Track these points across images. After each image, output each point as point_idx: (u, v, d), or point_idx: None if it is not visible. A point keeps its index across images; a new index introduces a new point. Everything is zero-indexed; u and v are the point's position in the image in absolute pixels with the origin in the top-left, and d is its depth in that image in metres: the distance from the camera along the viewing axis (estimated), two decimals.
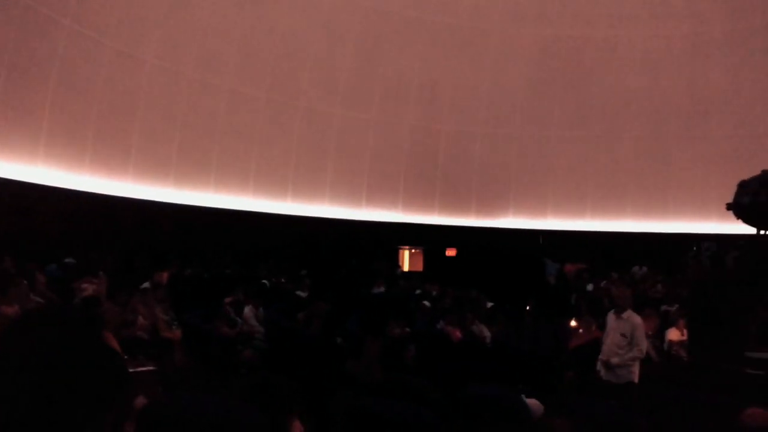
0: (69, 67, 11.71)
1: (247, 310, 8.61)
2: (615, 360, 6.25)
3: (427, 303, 10.42)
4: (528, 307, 9.63)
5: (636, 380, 6.29)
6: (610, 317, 6.62)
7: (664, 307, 10.26)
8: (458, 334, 7.87)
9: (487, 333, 8.63)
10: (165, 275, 10.29)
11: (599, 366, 6.44)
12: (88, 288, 8.35)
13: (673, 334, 8.58)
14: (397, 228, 17.29)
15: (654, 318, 9.14)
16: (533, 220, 17.94)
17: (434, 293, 12.14)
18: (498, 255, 15.54)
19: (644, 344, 6.40)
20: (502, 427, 3.74)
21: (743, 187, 6.69)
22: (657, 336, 8.83)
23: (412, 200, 17.67)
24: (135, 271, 10.93)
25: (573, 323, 8.56)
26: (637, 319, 6.45)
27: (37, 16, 10.94)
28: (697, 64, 16.32)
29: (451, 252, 17.89)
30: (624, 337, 6.30)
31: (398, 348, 6.54)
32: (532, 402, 4.14)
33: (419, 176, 17.71)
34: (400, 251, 18.40)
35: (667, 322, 9.05)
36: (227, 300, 9.01)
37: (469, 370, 5.53)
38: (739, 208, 6.68)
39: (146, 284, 9.27)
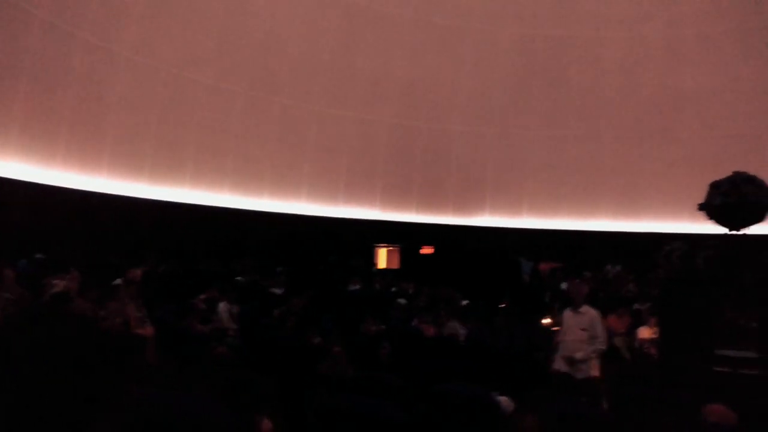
0: (42, 60, 11.51)
1: (222, 306, 8.55)
2: (580, 355, 6.32)
3: (402, 301, 10.43)
4: (502, 305, 9.70)
5: (597, 374, 6.37)
6: (567, 314, 6.69)
7: (636, 306, 10.37)
8: (432, 331, 7.91)
9: (461, 330, 8.67)
10: (138, 272, 10.17)
11: (558, 363, 6.48)
12: (59, 284, 8.20)
13: (644, 333, 8.69)
14: (375, 225, 17.29)
15: (626, 316, 9.28)
16: (509, 218, 18.06)
17: (410, 291, 12.17)
18: (474, 253, 15.61)
19: (605, 335, 6.48)
20: (472, 425, 3.76)
21: (715, 188, 6.80)
22: (629, 334, 8.95)
23: (389, 198, 17.68)
24: (109, 267, 10.78)
25: (547, 321, 8.65)
26: (594, 312, 6.54)
27: (8, 7, 10.74)
28: (671, 66, 16.55)
29: (427, 250, 17.94)
30: (585, 331, 6.38)
31: (373, 345, 6.55)
32: (503, 399, 4.17)
33: (397, 174, 17.72)
34: (377, 249, 18.39)
35: (639, 321, 9.17)
36: (201, 297, 8.95)
37: (442, 367, 5.55)
38: (711, 209, 6.79)
39: (118, 280, 9.15)
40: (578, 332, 6.42)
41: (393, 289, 12.69)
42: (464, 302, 10.59)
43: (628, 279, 13.72)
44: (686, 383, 5.39)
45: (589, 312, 6.50)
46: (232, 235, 14.31)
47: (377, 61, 16.73)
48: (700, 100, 16.38)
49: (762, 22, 15.39)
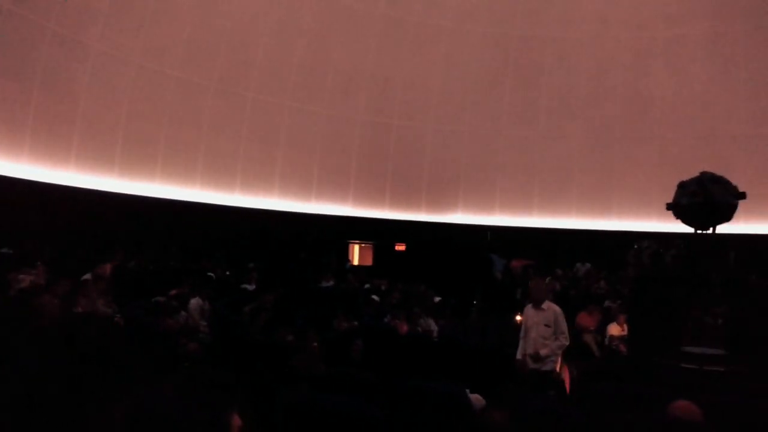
0: (8, 51, 11.26)
1: (193, 302, 8.47)
2: (544, 351, 6.35)
3: (375, 297, 10.44)
4: (475, 302, 9.77)
5: (558, 369, 6.44)
6: (529, 311, 6.71)
7: (607, 303, 10.52)
8: (405, 328, 7.91)
9: (434, 327, 8.71)
10: (108, 267, 10.02)
11: (523, 359, 6.52)
12: (25, 279, 8.06)
13: (614, 329, 8.83)
14: (348, 222, 17.27)
15: (596, 313, 9.40)
16: (481, 216, 18.17)
17: (383, 288, 12.18)
18: (447, 250, 15.68)
19: (567, 331, 6.54)
20: (443, 421, 3.78)
21: (682, 188, 6.92)
22: (598, 331, 9.08)
23: (362, 194, 17.67)
24: (77, 262, 10.60)
25: (519, 317, 8.71)
26: (557, 308, 6.57)
27: None
28: (641, 68, 16.81)
29: (400, 247, 17.99)
30: (548, 327, 6.43)
31: (345, 342, 6.53)
32: (475, 397, 4.19)
33: (370, 171, 17.71)
34: (350, 245, 18.37)
35: (609, 318, 9.30)
36: (172, 292, 8.85)
37: (414, 363, 5.56)
38: (678, 208, 6.90)
39: (87, 276, 9.01)
40: (542, 328, 6.46)
41: (366, 285, 12.70)
42: (437, 299, 10.65)
43: (598, 277, 13.92)
44: (654, 379, 5.46)
45: (552, 308, 6.54)
46: (203, 231, 14.17)
47: (350, 58, 16.69)
48: (668, 102, 16.69)
49: (730, 27, 15.70)
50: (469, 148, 18.03)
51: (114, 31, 12.90)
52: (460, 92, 17.67)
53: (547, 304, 6.59)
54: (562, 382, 6.39)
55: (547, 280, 13.16)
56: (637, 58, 16.81)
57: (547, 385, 6.16)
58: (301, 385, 4.18)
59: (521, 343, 6.66)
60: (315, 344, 5.71)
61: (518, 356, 6.60)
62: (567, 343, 6.50)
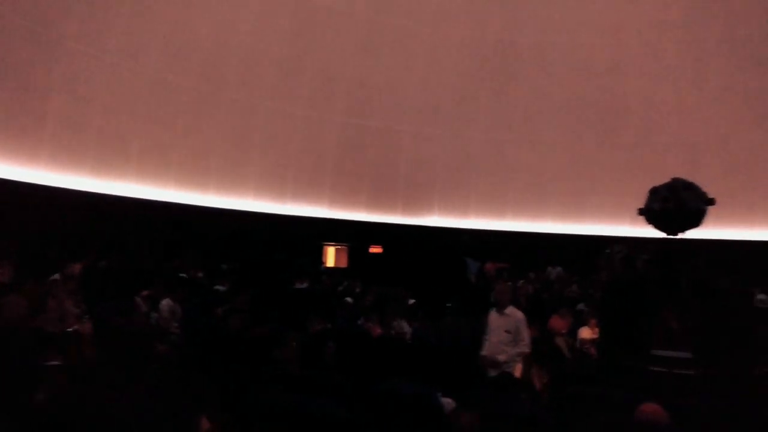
0: None
1: (164, 303, 8.37)
2: (502, 357, 6.33)
3: (349, 299, 10.41)
4: (449, 305, 9.77)
5: (519, 376, 6.44)
6: (492, 315, 6.70)
7: (580, 307, 10.60)
8: (378, 330, 7.90)
9: (407, 329, 8.70)
10: (78, 266, 9.87)
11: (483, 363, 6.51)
12: None
13: (585, 333, 8.90)
14: (323, 224, 17.22)
15: (568, 317, 9.46)
16: (457, 219, 18.25)
17: (357, 290, 12.16)
18: (422, 253, 15.70)
19: (528, 338, 6.50)
20: (413, 423, 3.77)
21: (654, 193, 7.00)
22: (570, 334, 9.14)
23: (338, 196, 17.62)
24: (46, 261, 10.42)
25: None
26: (520, 314, 6.56)
27: None
28: (616, 74, 17.02)
29: (375, 249, 17.97)
30: (509, 334, 6.40)
31: (318, 344, 6.50)
32: (447, 401, 4.19)
33: (346, 172, 17.68)
34: (325, 247, 18.32)
35: (580, 321, 9.37)
36: (144, 293, 8.75)
37: (387, 366, 5.55)
38: (650, 214, 6.98)
39: (56, 275, 8.87)
40: (502, 334, 6.43)
41: (340, 288, 12.66)
42: (411, 301, 10.65)
43: (571, 280, 14.04)
44: (623, 382, 5.52)
45: (515, 314, 6.51)
46: (176, 231, 14.00)
47: (327, 59, 16.65)
48: (642, 109, 16.93)
49: (703, 34, 15.97)
50: (445, 152, 18.10)
51: (88, 28, 12.69)
52: (437, 95, 17.72)
53: (510, 310, 6.56)
54: (533, 384, 6.41)
55: (520, 283, 13.27)
56: (611, 65, 17.01)
57: (517, 388, 6.17)
58: (273, 386, 4.15)
59: (486, 343, 6.65)
60: (294, 343, 5.69)
61: (483, 352, 6.57)
62: (527, 351, 6.46)
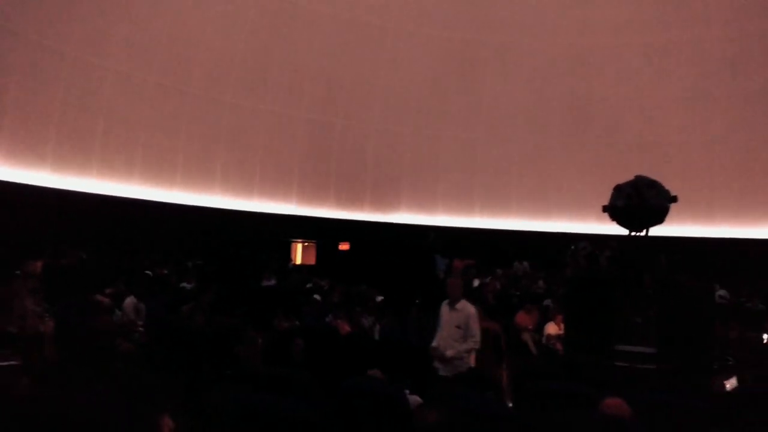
0: None
1: (128, 301, 8.24)
2: (450, 352, 6.27)
3: (317, 297, 10.37)
4: (417, 301, 9.79)
5: (472, 365, 6.38)
6: (444, 309, 6.64)
7: (546, 302, 10.72)
8: (347, 327, 7.88)
9: (375, 326, 8.71)
10: (38, 264, 9.63)
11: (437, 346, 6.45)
12: None
13: (551, 329, 9.00)
14: (291, 220, 17.12)
15: (535, 313, 9.58)
16: (424, 215, 18.31)
17: (325, 287, 12.12)
18: (390, 250, 15.71)
19: (478, 334, 6.39)
20: (378, 420, 3.77)
21: (618, 191, 7.11)
22: (536, 330, 9.25)
23: (306, 193, 17.54)
24: (5, 259, 10.16)
25: None
26: (471, 309, 6.46)
27: None
28: (580, 75, 17.25)
29: (344, 246, 17.94)
30: (459, 329, 6.34)
31: (285, 341, 6.45)
32: (413, 399, 4.18)
33: (314, 169, 17.61)
34: (293, 244, 18.23)
35: (547, 317, 9.48)
36: (107, 291, 8.59)
37: (354, 363, 5.54)
38: (614, 211, 7.09)
39: (17, 272, 8.64)
40: (453, 329, 6.34)
41: (308, 285, 12.61)
42: (379, 298, 10.65)
43: (537, 276, 14.20)
44: (588, 378, 5.59)
45: (466, 309, 6.40)
46: (141, 228, 13.77)
47: (295, 55, 16.53)
48: (606, 108, 17.18)
49: (665, 36, 16.27)
50: (412, 149, 18.15)
51: (51, 22, 12.39)
52: (404, 93, 17.74)
53: (462, 305, 6.46)
54: (500, 380, 6.45)
55: (488, 279, 13.37)
56: (577, 65, 17.24)
57: (483, 384, 6.18)
58: (239, 384, 4.11)
59: (437, 335, 6.60)
60: (260, 340, 5.65)
61: (434, 344, 6.53)
62: (476, 347, 6.38)
